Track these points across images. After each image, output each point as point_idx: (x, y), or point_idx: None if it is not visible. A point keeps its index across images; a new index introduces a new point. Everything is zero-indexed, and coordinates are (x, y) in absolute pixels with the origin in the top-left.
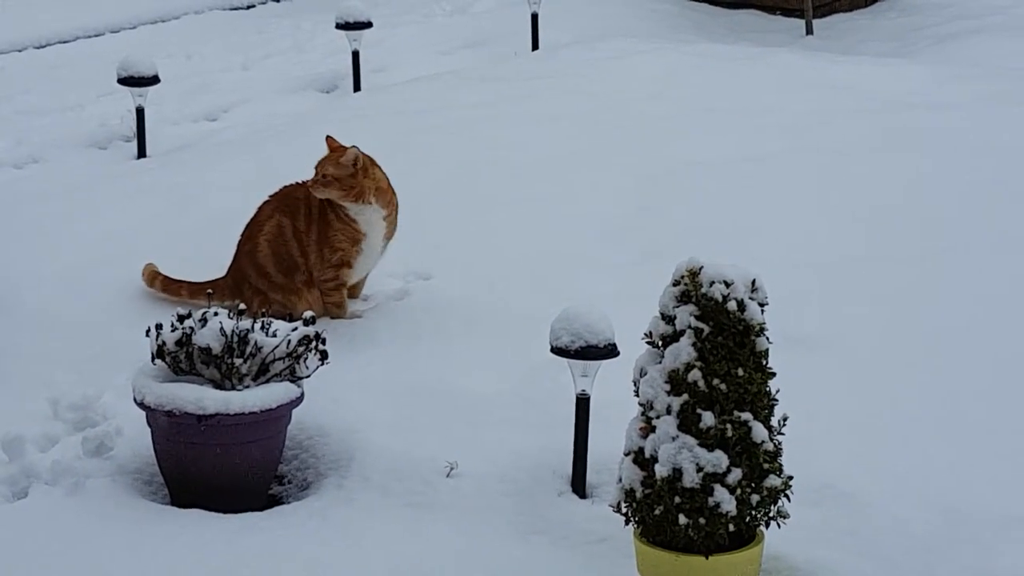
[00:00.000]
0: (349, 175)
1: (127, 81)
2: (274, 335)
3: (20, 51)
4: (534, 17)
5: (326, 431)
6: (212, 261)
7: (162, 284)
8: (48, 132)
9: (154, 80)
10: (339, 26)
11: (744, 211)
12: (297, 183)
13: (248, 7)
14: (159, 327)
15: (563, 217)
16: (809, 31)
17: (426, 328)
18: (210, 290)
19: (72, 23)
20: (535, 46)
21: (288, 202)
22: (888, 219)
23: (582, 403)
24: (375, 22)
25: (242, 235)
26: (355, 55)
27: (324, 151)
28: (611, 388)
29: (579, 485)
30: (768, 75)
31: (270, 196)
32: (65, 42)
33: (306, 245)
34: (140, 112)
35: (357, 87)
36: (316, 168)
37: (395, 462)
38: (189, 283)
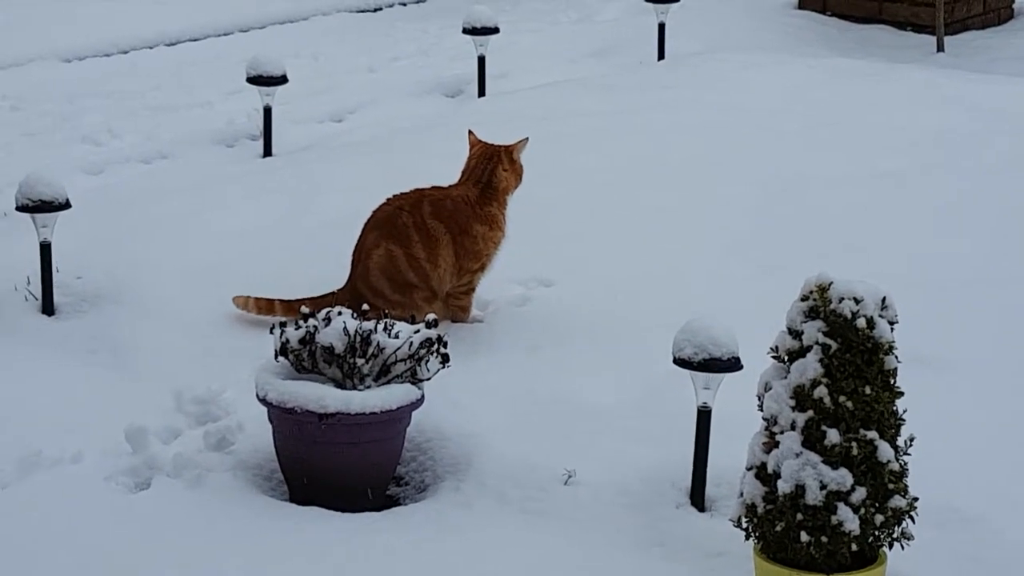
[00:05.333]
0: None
1: (255, 80)
2: (396, 336)
3: (151, 48)
4: (661, 27)
5: (445, 434)
6: (334, 261)
7: (255, 305)
8: (176, 128)
9: (282, 80)
10: (466, 31)
11: (868, 228)
12: (397, 208)
13: (376, 10)
14: (283, 325)
15: (685, 228)
16: (940, 48)
17: (547, 335)
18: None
19: (202, 21)
20: (661, 56)
21: (394, 229)
22: (1016, 240)
23: (703, 416)
24: (501, 28)
25: (353, 256)
26: (481, 60)
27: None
28: (732, 402)
29: (698, 498)
30: (897, 92)
31: (370, 218)
32: (195, 40)
33: (427, 272)
34: (267, 111)
35: (482, 92)
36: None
37: (512, 468)
38: (281, 301)
